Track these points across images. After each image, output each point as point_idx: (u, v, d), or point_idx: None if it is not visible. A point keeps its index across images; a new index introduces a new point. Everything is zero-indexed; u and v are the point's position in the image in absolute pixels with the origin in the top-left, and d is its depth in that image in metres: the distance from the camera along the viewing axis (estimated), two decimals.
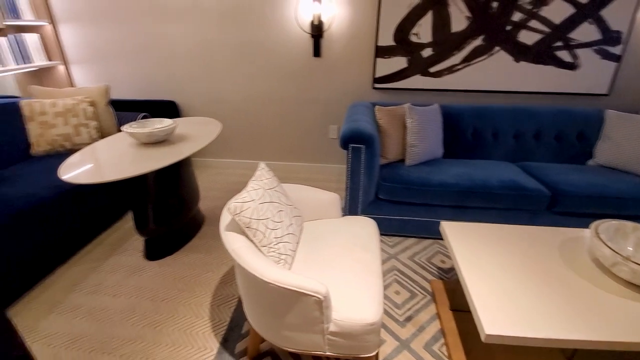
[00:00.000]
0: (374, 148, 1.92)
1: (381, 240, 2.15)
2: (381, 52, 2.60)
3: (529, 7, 2.35)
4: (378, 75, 2.68)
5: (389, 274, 1.85)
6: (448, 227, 1.57)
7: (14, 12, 2.54)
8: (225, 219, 1.20)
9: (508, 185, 1.96)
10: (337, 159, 3.09)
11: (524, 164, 2.33)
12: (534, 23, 2.39)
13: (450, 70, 2.59)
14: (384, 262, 1.95)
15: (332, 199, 1.57)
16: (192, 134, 2.00)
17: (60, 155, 2.26)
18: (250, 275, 1.02)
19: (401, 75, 2.66)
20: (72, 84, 2.99)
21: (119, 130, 2.59)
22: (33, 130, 2.24)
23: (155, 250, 1.96)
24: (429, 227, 2.10)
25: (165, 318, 1.57)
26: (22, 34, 2.64)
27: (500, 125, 2.41)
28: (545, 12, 2.35)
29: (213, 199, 2.66)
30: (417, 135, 2.19)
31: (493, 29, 2.43)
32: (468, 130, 2.44)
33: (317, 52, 2.70)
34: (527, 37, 2.43)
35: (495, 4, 2.37)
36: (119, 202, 2.34)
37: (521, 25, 2.40)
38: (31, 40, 2.70)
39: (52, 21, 2.76)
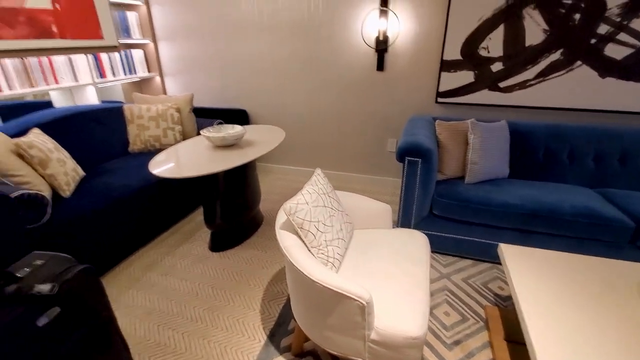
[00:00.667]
0: (431, 162, 1.91)
1: (433, 258, 2.10)
2: (447, 66, 2.57)
3: (618, 19, 2.14)
4: (442, 89, 2.64)
5: (439, 293, 1.80)
6: (507, 250, 1.50)
7: (127, 33, 3.05)
8: (281, 218, 1.31)
9: (582, 212, 1.78)
10: (393, 172, 3.08)
11: (604, 190, 2.09)
12: (623, 36, 2.16)
13: (523, 85, 2.45)
14: (434, 280, 1.90)
15: (384, 210, 1.60)
16: (259, 140, 2.19)
17: (151, 153, 2.63)
18: (298, 273, 1.11)
19: (467, 89, 2.59)
20: (164, 92, 3.46)
21: (198, 134, 2.92)
22: (132, 130, 2.64)
23: (219, 243, 2.17)
24: (487, 249, 2.00)
25: (223, 305, 1.73)
26: (131, 49, 3.15)
27: (578, 146, 2.21)
28: (636, 24, 2.12)
29: (272, 201, 2.84)
30: (480, 152, 2.11)
31: (574, 42, 2.25)
32: (539, 149, 2.27)
33: (380, 66, 2.76)
34: (615, 51, 2.20)
35: (577, 16, 2.20)
36: (193, 197, 2.63)
37: (608, 39, 2.19)
38: (137, 55, 3.20)
39: (154, 40, 3.24)
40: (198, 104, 3.41)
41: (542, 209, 1.82)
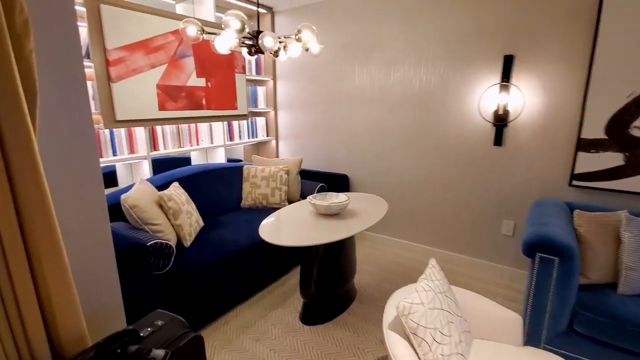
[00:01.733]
0: (572, 264, 1.55)
1: None
2: (585, 145, 2.21)
3: None
4: (579, 170, 2.26)
5: None
6: None
7: (255, 103, 3.54)
8: (389, 313, 1.18)
9: None
10: (508, 260, 2.65)
11: None
12: None
13: None
14: None
15: (512, 320, 1.31)
16: (361, 210, 2.15)
17: (258, 209, 2.83)
18: None
19: (614, 174, 2.15)
20: (277, 154, 3.82)
21: (301, 196, 3.06)
22: (245, 188, 2.92)
23: (311, 316, 2.09)
24: None
25: None
26: (256, 117, 3.62)
27: None
28: None
29: (365, 273, 2.69)
30: (638, 255, 1.65)
31: None
32: None
33: (498, 140, 2.54)
34: None
35: None
36: (292, 257, 2.68)
37: None
38: (260, 121, 3.66)
39: (275, 108, 3.68)
40: (304, 166, 3.64)
41: None
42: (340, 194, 2.25)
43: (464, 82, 2.61)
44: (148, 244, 1.66)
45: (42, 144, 0.98)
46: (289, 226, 1.94)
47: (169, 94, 2.59)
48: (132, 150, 2.53)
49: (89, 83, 2.19)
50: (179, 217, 2.08)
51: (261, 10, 3.31)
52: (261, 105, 3.62)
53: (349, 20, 3.04)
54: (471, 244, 2.80)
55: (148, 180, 2.40)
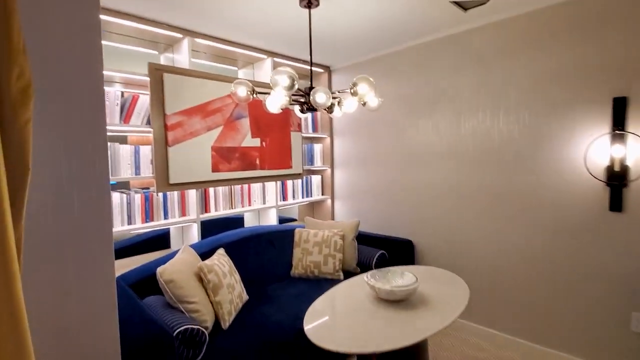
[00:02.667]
0: None
1: None
2: None
3: None
4: None
5: None
6: None
7: (311, 161, 3.39)
8: None
9: None
10: None
11: None
12: None
13: None
14: None
15: None
16: (434, 295, 1.69)
17: (310, 281, 2.49)
18: None
19: None
20: (332, 214, 3.53)
21: (358, 265, 2.66)
22: (296, 254, 2.63)
23: None
24: None
25: None
26: (311, 175, 3.45)
27: None
28: None
29: None
30: None
31: None
32: None
33: (616, 205, 1.94)
34: None
35: None
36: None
37: None
38: (315, 180, 3.47)
39: (332, 166, 3.49)
40: (361, 228, 3.28)
41: None
42: (405, 271, 1.83)
43: (560, 132, 2.13)
44: (176, 332, 1.41)
45: (48, 220, 0.82)
46: (342, 316, 1.56)
47: (223, 156, 2.54)
48: (183, 212, 2.46)
49: (146, 148, 2.22)
50: (219, 293, 1.84)
51: (318, 69, 3.30)
52: (317, 163, 3.46)
53: (412, 72, 2.83)
54: (582, 340, 2.07)
55: (194, 245, 2.25)
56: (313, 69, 3.26)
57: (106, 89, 2.06)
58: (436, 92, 2.69)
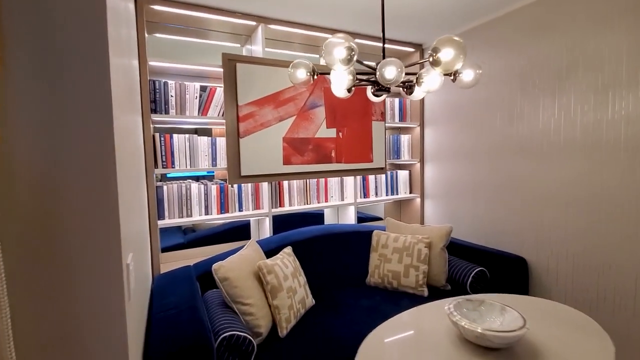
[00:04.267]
0: None
1: None
2: None
3: None
4: None
5: None
6: None
7: (397, 154, 3.00)
8: None
9: None
10: None
11: None
12: None
13: None
14: None
15: None
16: (553, 347, 1.18)
17: (387, 292, 2.16)
18: None
19: None
20: (422, 215, 3.08)
21: (448, 281, 2.20)
22: (373, 260, 2.32)
23: None
24: None
25: None
26: (397, 170, 3.06)
27: None
28: None
29: None
30: None
31: None
32: None
33: None
34: None
35: None
36: None
37: None
38: (402, 175, 3.07)
39: (422, 160, 3.02)
40: (455, 235, 2.74)
41: None
42: (509, 306, 1.34)
43: None
44: (220, 338, 1.30)
45: (49, 217, 0.75)
46: (407, 356, 1.21)
47: (295, 147, 2.39)
48: (257, 205, 2.42)
49: (223, 139, 2.22)
50: (277, 296, 1.68)
51: (406, 48, 2.86)
52: (405, 157, 3.05)
53: (529, 37, 2.17)
54: None
55: (261, 241, 2.17)
56: (401, 48, 2.85)
57: (186, 83, 2.12)
58: (566, 61, 1.98)
